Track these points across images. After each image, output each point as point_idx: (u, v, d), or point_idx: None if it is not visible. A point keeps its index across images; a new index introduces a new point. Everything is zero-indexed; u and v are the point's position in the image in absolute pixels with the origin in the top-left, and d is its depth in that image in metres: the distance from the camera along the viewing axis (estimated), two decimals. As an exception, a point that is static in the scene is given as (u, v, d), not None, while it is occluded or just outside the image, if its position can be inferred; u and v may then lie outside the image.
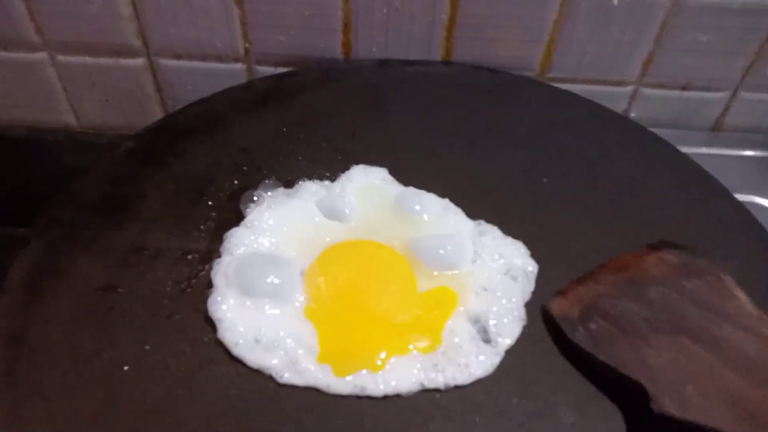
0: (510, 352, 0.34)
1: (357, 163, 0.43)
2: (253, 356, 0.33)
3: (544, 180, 0.43)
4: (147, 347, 0.33)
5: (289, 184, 0.42)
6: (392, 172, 0.42)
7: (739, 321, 0.31)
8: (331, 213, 0.39)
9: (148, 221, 0.39)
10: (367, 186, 0.41)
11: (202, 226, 0.39)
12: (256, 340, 0.33)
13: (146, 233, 0.39)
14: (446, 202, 0.41)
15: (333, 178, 0.42)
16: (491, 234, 0.39)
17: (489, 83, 0.50)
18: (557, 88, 0.50)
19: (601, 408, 0.32)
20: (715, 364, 0.30)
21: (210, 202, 0.41)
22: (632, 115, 0.55)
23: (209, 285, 0.36)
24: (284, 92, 0.48)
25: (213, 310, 0.34)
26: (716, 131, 0.56)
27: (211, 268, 0.37)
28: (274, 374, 0.32)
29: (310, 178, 0.42)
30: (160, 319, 0.35)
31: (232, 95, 0.48)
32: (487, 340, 0.34)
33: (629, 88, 0.54)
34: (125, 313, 0.35)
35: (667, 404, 0.28)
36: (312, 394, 0.32)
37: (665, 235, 0.40)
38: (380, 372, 0.32)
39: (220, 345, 0.34)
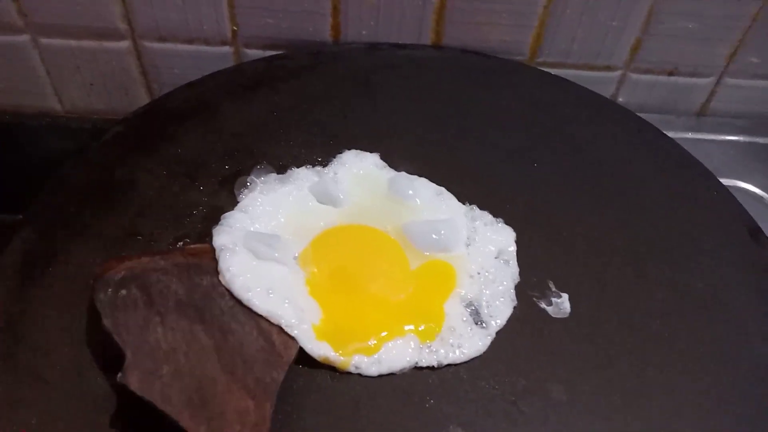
0: (501, 333, 0.34)
1: (349, 148, 0.43)
2: (265, 305, 0.33)
3: (534, 164, 0.44)
4: None
5: (281, 169, 0.42)
6: (384, 157, 0.42)
7: (260, 324, 0.32)
8: (325, 198, 0.39)
9: (140, 207, 0.39)
10: (359, 171, 0.41)
11: (194, 211, 0.39)
12: (269, 291, 0.33)
13: (139, 219, 0.38)
14: (438, 187, 0.41)
15: (325, 163, 0.42)
16: (482, 219, 0.39)
17: (479, 67, 0.50)
18: (547, 73, 0.51)
19: (590, 385, 0.33)
20: (209, 353, 0.30)
21: (201, 188, 0.41)
22: (620, 99, 0.56)
23: None
24: (274, 76, 0.48)
25: (220, 262, 0.34)
26: (701, 116, 0.57)
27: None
28: (284, 324, 0.32)
29: (303, 163, 0.42)
30: None
31: (221, 79, 0.48)
32: (479, 322, 0.34)
33: (617, 73, 0.54)
34: None
35: (133, 378, 0.28)
36: (308, 371, 0.33)
37: (652, 218, 0.41)
38: (375, 353, 0.32)
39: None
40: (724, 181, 0.46)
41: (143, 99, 0.56)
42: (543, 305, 0.36)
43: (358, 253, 0.37)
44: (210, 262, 0.34)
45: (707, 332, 0.35)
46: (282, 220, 0.38)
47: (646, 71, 0.54)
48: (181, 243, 0.38)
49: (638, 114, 0.49)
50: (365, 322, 0.34)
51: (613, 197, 0.42)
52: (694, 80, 0.55)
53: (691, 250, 0.39)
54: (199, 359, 0.30)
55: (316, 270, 0.36)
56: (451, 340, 0.33)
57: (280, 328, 0.32)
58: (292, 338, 0.32)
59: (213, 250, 0.35)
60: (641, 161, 0.45)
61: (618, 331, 0.35)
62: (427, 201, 0.40)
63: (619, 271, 0.38)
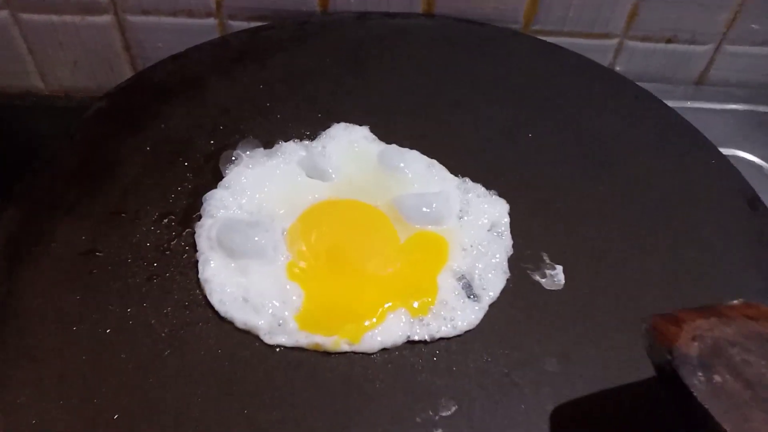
0: (494, 306, 0.34)
1: (338, 122, 0.42)
2: (240, 315, 0.32)
3: (529, 135, 0.42)
4: (129, 309, 0.33)
5: (268, 144, 0.41)
6: (374, 130, 0.41)
7: None
8: (314, 172, 0.39)
9: (125, 185, 0.38)
10: (349, 144, 0.40)
11: (179, 188, 0.38)
12: (245, 300, 0.33)
13: (124, 197, 0.38)
14: (430, 159, 0.40)
15: (313, 137, 0.41)
16: (475, 191, 0.39)
17: (472, 36, 0.49)
18: (542, 41, 0.49)
19: (583, 356, 0.33)
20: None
21: (186, 164, 0.40)
22: (617, 68, 0.54)
23: (189, 246, 0.36)
24: (260, 48, 0.46)
25: (199, 272, 0.34)
26: (700, 85, 0.56)
27: (191, 230, 0.36)
28: (261, 335, 0.32)
29: (290, 137, 0.41)
30: (141, 280, 0.34)
31: (206, 51, 0.46)
32: (471, 296, 0.34)
33: (614, 41, 0.53)
34: (107, 276, 0.34)
35: (693, 378, 0.24)
36: (299, 350, 0.32)
37: (650, 188, 0.40)
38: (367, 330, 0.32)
39: (203, 306, 0.34)
40: (724, 151, 0.45)
41: (128, 75, 0.54)
42: (537, 278, 0.35)
43: (346, 228, 0.36)
44: None
45: (705, 302, 0.35)
46: (268, 194, 0.37)
47: (644, 39, 0.53)
48: (166, 220, 0.37)
49: (636, 83, 0.47)
50: (354, 300, 0.33)
51: (609, 167, 0.41)
52: (692, 48, 0.53)
53: (688, 219, 0.38)
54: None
55: (303, 246, 0.35)
56: (443, 314, 0.33)
57: None
58: None
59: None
60: (639, 131, 0.43)
61: (613, 303, 0.35)
62: (419, 173, 0.39)
63: (615, 242, 0.37)
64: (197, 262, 0.35)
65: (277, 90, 0.44)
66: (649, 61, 0.54)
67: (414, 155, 0.40)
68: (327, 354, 0.32)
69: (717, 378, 0.25)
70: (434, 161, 0.40)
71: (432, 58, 0.47)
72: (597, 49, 0.52)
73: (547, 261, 0.36)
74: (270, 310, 0.32)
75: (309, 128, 0.41)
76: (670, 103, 0.48)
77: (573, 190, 0.40)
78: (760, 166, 0.49)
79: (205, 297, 0.34)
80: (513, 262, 0.36)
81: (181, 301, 0.34)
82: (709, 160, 0.41)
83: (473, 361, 0.32)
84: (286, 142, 0.40)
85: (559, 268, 0.36)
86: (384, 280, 0.34)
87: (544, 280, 0.35)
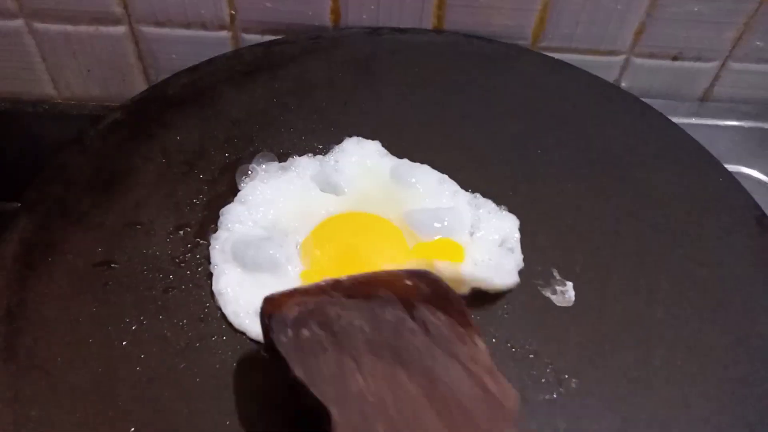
0: (506, 321, 0.34)
1: (350, 135, 0.42)
2: (254, 327, 0.32)
3: (538, 151, 0.43)
4: (145, 322, 0.33)
5: (282, 156, 0.41)
6: (385, 145, 0.42)
7: (467, 367, 0.27)
8: (327, 186, 0.39)
9: (139, 196, 0.38)
10: (361, 159, 0.41)
11: (194, 200, 0.39)
12: (257, 312, 0.32)
13: (138, 208, 0.38)
14: (441, 174, 0.40)
15: (326, 151, 0.41)
16: (486, 207, 0.39)
17: (481, 52, 0.49)
18: (550, 58, 0.50)
19: (597, 374, 0.33)
20: (422, 404, 0.26)
21: (201, 176, 0.40)
22: (623, 84, 0.55)
23: (205, 259, 0.36)
24: (273, 62, 0.47)
25: (213, 284, 0.35)
26: (705, 102, 0.56)
27: (206, 243, 0.37)
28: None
29: (304, 151, 0.41)
30: (157, 293, 0.34)
31: (219, 64, 0.47)
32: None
33: (621, 58, 0.53)
34: (122, 288, 0.34)
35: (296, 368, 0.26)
36: None
37: (658, 205, 0.40)
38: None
39: (218, 318, 0.34)
40: (729, 168, 0.45)
41: (141, 85, 0.55)
42: (548, 294, 0.36)
43: (359, 240, 0.37)
44: (386, 291, 0.29)
45: (713, 320, 0.35)
46: (283, 208, 0.38)
47: (650, 56, 0.53)
48: (181, 232, 0.37)
49: (642, 99, 0.48)
50: None
51: (617, 184, 0.42)
52: (698, 65, 0.54)
53: (696, 237, 0.39)
54: (414, 413, 0.25)
55: (316, 258, 0.35)
56: None
57: (491, 371, 0.28)
58: (509, 385, 0.27)
59: (388, 278, 0.30)
60: (646, 147, 0.44)
61: (623, 320, 0.35)
62: (430, 188, 0.39)
63: (624, 258, 0.38)
64: (212, 274, 0.35)
65: (289, 103, 0.44)
66: (655, 77, 0.55)
67: (425, 170, 0.40)
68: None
69: (305, 332, 0.27)
70: (445, 176, 0.40)
71: (441, 73, 0.47)
72: (603, 66, 0.53)
73: (558, 277, 0.37)
74: None
75: (322, 142, 0.42)
76: (675, 120, 0.48)
77: (581, 206, 0.40)
78: (766, 183, 0.50)
79: (219, 309, 0.34)
80: (524, 278, 0.36)
81: (196, 314, 0.34)
82: (717, 177, 0.42)
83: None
84: (300, 156, 0.41)
85: (570, 285, 0.36)
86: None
87: (554, 296, 0.36)
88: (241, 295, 0.34)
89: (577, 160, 0.43)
